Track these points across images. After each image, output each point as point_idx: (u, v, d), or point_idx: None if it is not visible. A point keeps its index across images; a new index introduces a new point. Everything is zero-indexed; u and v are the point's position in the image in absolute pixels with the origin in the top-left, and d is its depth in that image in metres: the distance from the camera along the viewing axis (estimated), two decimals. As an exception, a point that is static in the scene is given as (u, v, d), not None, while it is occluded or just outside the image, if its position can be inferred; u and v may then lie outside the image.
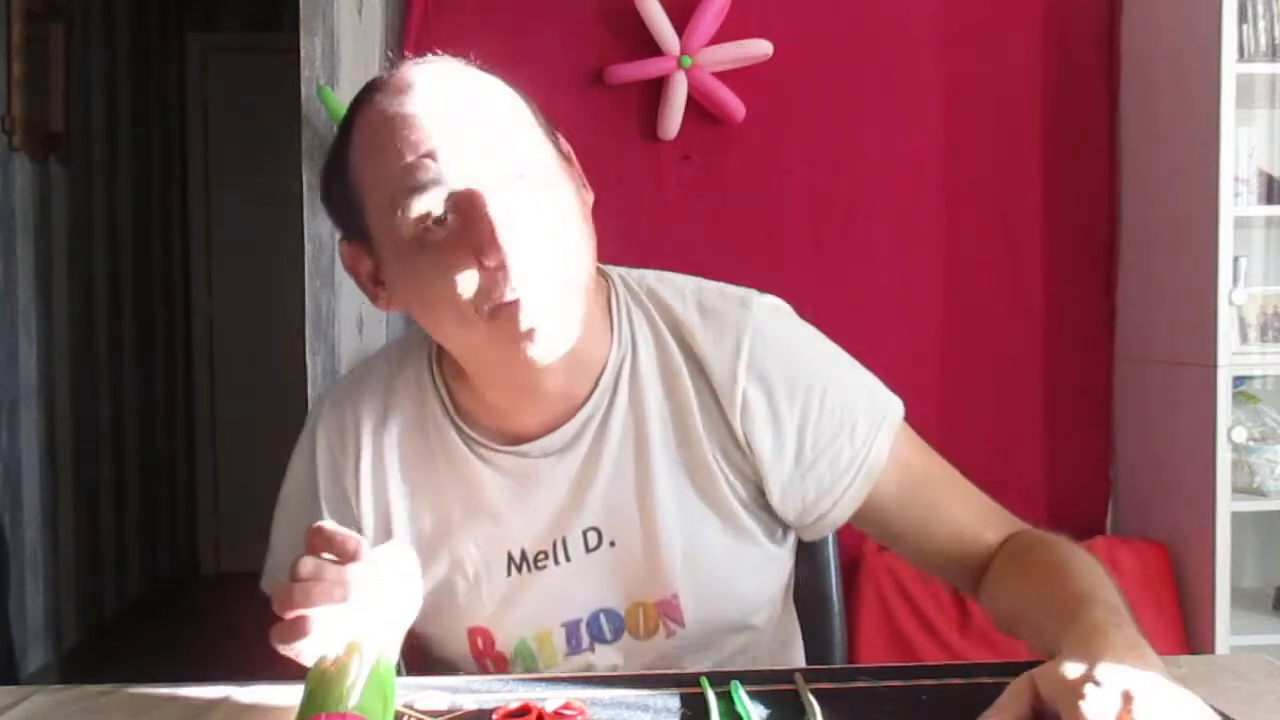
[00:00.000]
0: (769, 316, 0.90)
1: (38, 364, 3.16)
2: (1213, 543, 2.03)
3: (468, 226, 0.76)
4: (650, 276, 0.93)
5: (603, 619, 0.90)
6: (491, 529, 0.89)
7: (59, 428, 3.28)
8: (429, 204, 0.76)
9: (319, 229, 2.31)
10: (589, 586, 0.89)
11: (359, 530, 0.89)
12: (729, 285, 0.93)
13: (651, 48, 2.23)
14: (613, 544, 0.89)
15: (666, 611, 0.89)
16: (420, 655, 0.96)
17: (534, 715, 0.73)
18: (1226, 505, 2.03)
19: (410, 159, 0.77)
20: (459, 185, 0.76)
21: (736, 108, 2.25)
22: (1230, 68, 2.00)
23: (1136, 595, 2.13)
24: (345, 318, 2.32)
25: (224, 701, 0.80)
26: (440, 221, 0.77)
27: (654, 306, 0.90)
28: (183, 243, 4.44)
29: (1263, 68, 2.07)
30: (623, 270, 0.93)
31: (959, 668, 0.82)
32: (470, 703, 0.76)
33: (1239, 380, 2.12)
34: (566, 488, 0.88)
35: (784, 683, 0.78)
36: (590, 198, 0.87)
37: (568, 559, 0.89)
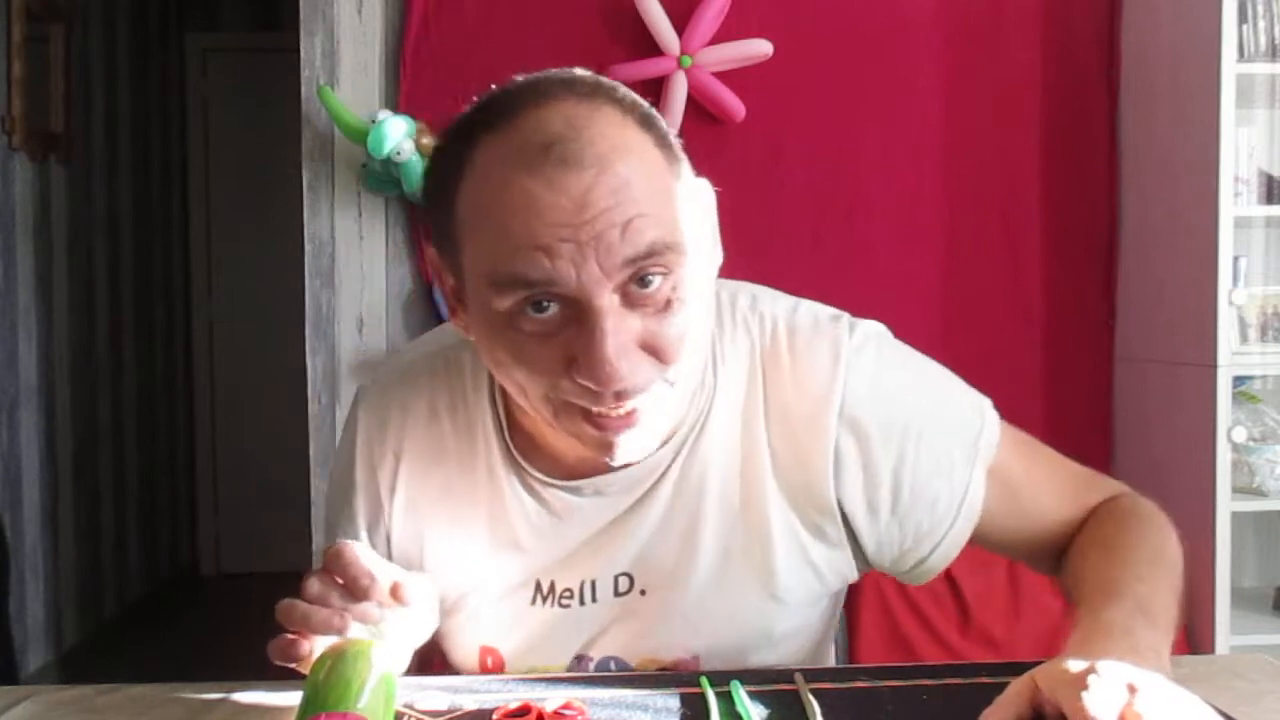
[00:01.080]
0: (863, 354, 0.83)
1: (38, 364, 3.16)
2: (1213, 543, 2.03)
3: (576, 338, 0.69)
4: (745, 298, 0.87)
5: (612, 665, 0.88)
6: (519, 556, 0.86)
7: (59, 428, 3.28)
8: (535, 298, 0.69)
9: (319, 229, 2.31)
10: (609, 630, 0.86)
11: (388, 533, 0.88)
12: (823, 311, 0.87)
13: (651, 48, 2.23)
14: (643, 593, 0.85)
15: (685, 669, 0.86)
16: (428, 653, 0.95)
17: (534, 715, 0.73)
18: (1226, 505, 2.03)
19: (523, 245, 0.68)
20: (572, 291, 0.68)
21: (736, 108, 2.25)
22: (1230, 68, 2.00)
23: (1136, 595, 2.13)
24: (345, 318, 2.32)
25: (224, 701, 0.80)
26: (540, 307, 0.70)
27: (753, 347, 0.84)
28: (183, 243, 4.44)
29: (1263, 68, 2.07)
30: (728, 289, 0.87)
31: (959, 668, 0.82)
32: (470, 703, 0.76)
33: (1239, 380, 2.12)
34: (603, 529, 0.84)
35: (784, 683, 0.78)
36: (719, 259, 0.80)
37: (594, 600, 0.85)
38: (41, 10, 3.10)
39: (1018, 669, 0.68)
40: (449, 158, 0.74)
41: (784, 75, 2.29)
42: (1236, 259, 2.05)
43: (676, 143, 0.76)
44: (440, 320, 2.25)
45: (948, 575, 2.12)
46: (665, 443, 0.82)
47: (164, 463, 4.24)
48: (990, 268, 2.36)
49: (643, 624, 0.86)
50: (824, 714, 0.72)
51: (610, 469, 0.80)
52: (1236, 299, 2.03)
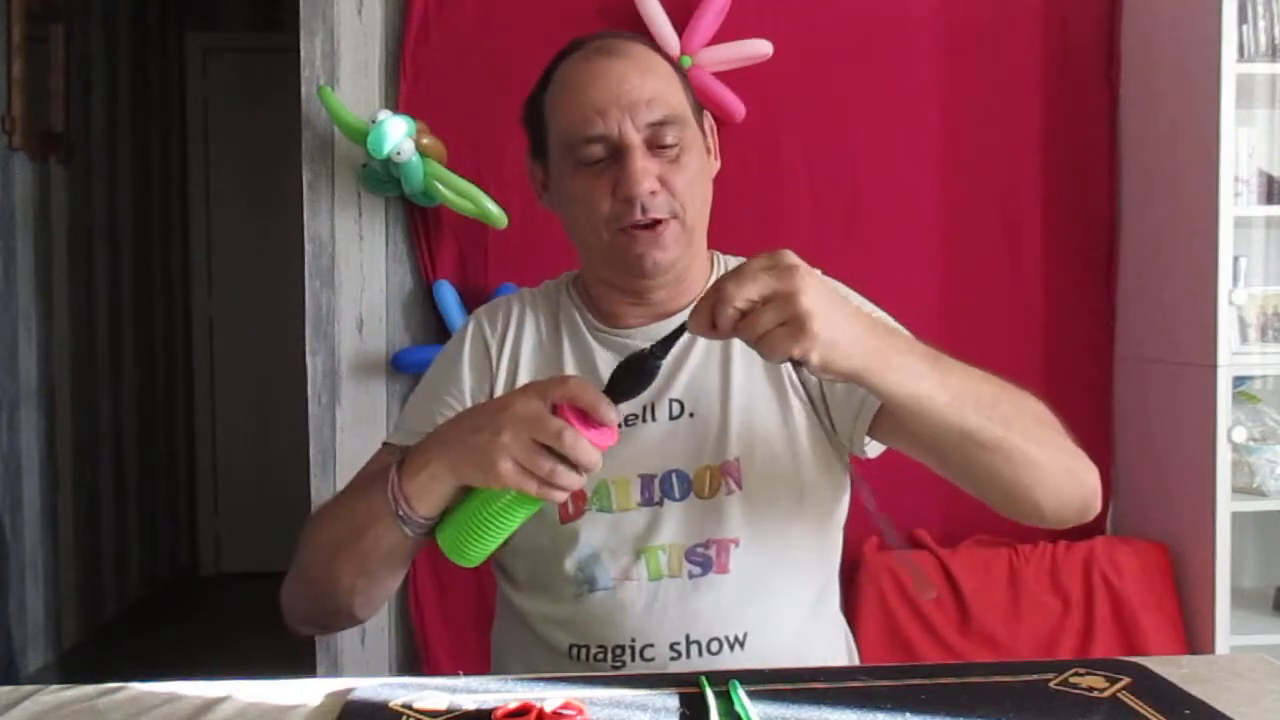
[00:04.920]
0: (825, 277, 1.09)
1: (38, 364, 3.16)
2: (1213, 543, 2.03)
3: (617, 169, 1.02)
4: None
5: (674, 479, 1.07)
6: None
7: (59, 428, 3.28)
8: (593, 150, 1.03)
9: (319, 229, 2.31)
10: (667, 447, 1.08)
11: (491, 384, 1.13)
12: None
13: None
14: (692, 415, 1.09)
15: (727, 471, 1.07)
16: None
17: (533, 715, 0.73)
18: (1226, 505, 2.03)
19: (585, 109, 1.03)
20: (615, 139, 1.03)
21: (736, 108, 2.25)
22: (1230, 68, 2.00)
23: (1136, 595, 2.13)
24: (345, 318, 2.32)
25: (224, 701, 0.81)
26: (596, 159, 1.04)
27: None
28: (183, 242, 4.44)
29: (1263, 68, 2.07)
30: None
31: (957, 667, 0.82)
32: (470, 703, 0.77)
33: (1239, 380, 2.12)
34: (662, 365, 1.03)
35: (782, 683, 0.79)
36: (717, 165, 1.14)
37: (654, 420, 1.09)
38: (41, 10, 3.10)
39: (1017, 669, 0.68)
40: (540, 85, 1.11)
41: (784, 75, 2.29)
42: (1236, 259, 2.05)
43: (687, 81, 1.12)
44: (441, 321, 2.25)
45: (947, 575, 2.13)
46: (691, 300, 1.10)
47: (164, 463, 4.24)
48: (990, 268, 2.36)
49: (694, 441, 1.08)
50: (823, 714, 0.72)
51: (655, 319, 1.11)
52: (1236, 299, 2.03)
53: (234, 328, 4.45)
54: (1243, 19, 2.04)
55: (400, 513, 0.88)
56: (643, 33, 2.23)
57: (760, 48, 2.24)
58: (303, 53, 2.28)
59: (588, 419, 0.83)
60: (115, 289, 3.76)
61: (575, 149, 1.04)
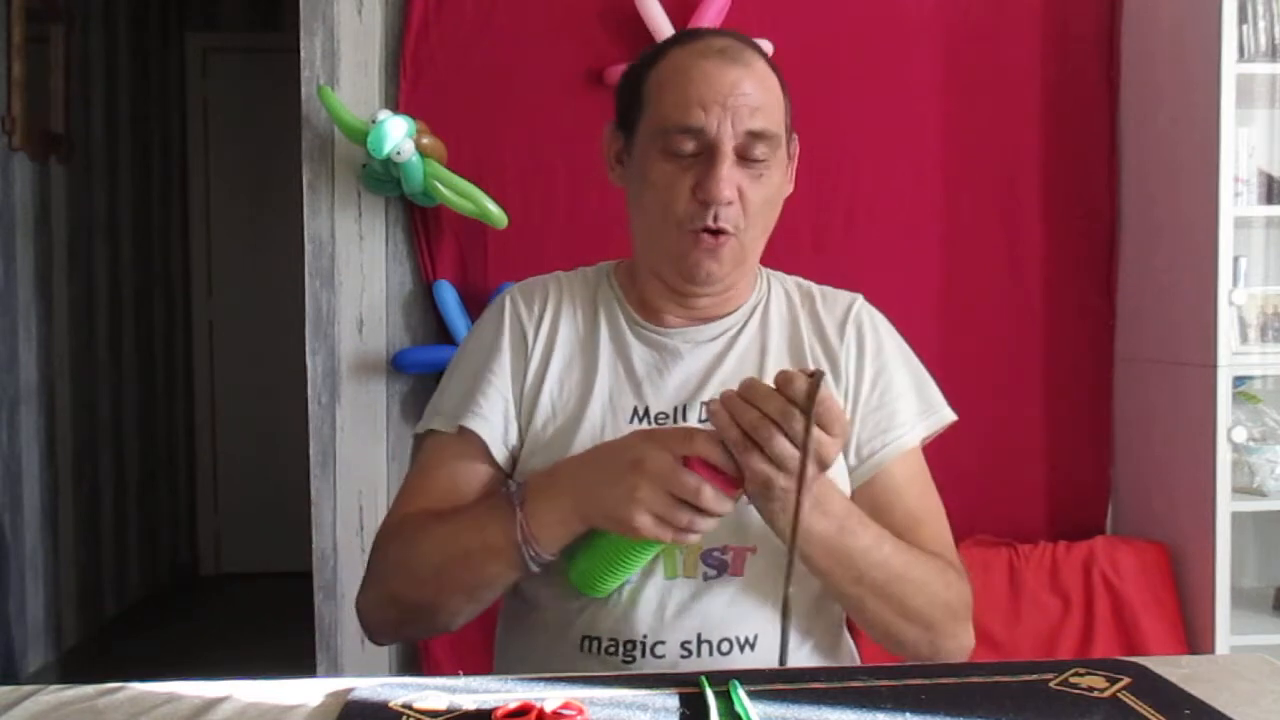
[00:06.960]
0: (872, 308, 1.21)
1: (38, 364, 3.16)
2: (1213, 543, 2.03)
3: (702, 168, 1.03)
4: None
5: None
6: (627, 387, 1.10)
7: (59, 428, 3.28)
8: (685, 143, 1.03)
9: (319, 229, 2.31)
10: None
11: (525, 374, 1.11)
12: None
13: (651, 48, 2.22)
14: None
15: None
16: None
17: (534, 715, 0.73)
18: (1226, 505, 2.03)
19: (693, 101, 1.03)
20: (711, 137, 1.02)
21: (736, 108, 2.25)
22: (1230, 68, 2.00)
23: (1136, 595, 2.13)
24: (345, 318, 2.32)
25: (224, 701, 0.80)
26: (686, 151, 1.04)
27: (788, 280, 1.22)
28: (183, 243, 4.44)
29: (1263, 68, 2.07)
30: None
31: (956, 667, 0.82)
32: (470, 703, 0.77)
33: (1239, 380, 2.12)
34: (697, 369, 1.11)
35: (783, 682, 0.79)
36: (790, 189, 1.16)
37: (684, 420, 1.09)
38: (41, 10, 3.10)
39: (1017, 669, 0.68)
40: (642, 63, 1.11)
41: (784, 75, 2.28)
42: (1236, 259, 2.05)
43: (788, 95, 1.15)
44: (441, 321, 2.25)
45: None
46: (734, 311, 1.15)
47: (164, 463, 4.24)
48: (990, 268, 2.36)
49: None
50: (821, 714, 0.72)
51: (696, 322, 1.13)
52: (1236, 299, 2.03)
53: (234, 328, 4.45)
54: (1243, 19, 2.04)
55: (531, 554, 0.93)
56: (642, 33, 2.24)
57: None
58: (303, 53, 2.28)
59: (715, 468, 0.87)
60: (115, 289, 3.76)
61: (668, 135, 1.03)
